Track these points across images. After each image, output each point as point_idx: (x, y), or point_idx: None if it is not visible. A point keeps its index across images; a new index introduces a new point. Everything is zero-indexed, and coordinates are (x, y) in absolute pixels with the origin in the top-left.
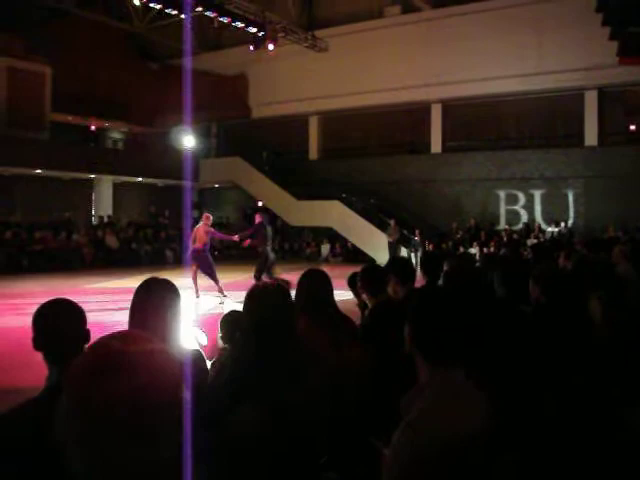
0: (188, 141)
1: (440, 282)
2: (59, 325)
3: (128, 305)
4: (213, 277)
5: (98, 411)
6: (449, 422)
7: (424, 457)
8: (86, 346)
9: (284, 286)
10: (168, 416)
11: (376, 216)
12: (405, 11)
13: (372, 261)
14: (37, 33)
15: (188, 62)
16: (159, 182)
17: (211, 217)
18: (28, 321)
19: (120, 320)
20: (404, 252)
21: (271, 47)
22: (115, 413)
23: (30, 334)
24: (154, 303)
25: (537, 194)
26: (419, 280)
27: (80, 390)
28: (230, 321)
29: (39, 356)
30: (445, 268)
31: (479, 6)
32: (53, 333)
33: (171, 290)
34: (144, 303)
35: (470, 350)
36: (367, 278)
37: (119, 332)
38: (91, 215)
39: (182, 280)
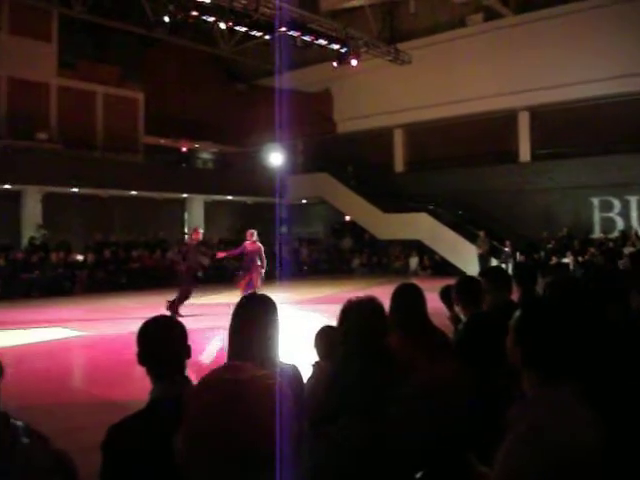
0: (275, 159)
1: (538, 293)
2: (162, 342)
3: (222, 320)
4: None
5: (218, 442)
6: (564, 438)
7: (539, 474)
8: (187, 361)
9: (377, 300)
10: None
11: (465, 227)
12: (487, 19)
13: (462, 274)
14: (130, 61)
15: (277, 82)
16: (248, 200)
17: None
18: (126, 336)
19: (217, 335)
20: (495, 264)
21: (354, 62)
22: (233, 442)
23: (127, 349)
24: (254, 319)
25: (633, 200)
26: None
27: (201, 422)
28: (325, 336)
29: (135, 370)
30: (547, 279)
31: (564, 9)
32: (156, 349)
33: (270, 305)
34: (245, 319)
35: (581, 365)
36: (462, 290)
37: (225, 364)
38: (184, 233)
39: (277, 295)
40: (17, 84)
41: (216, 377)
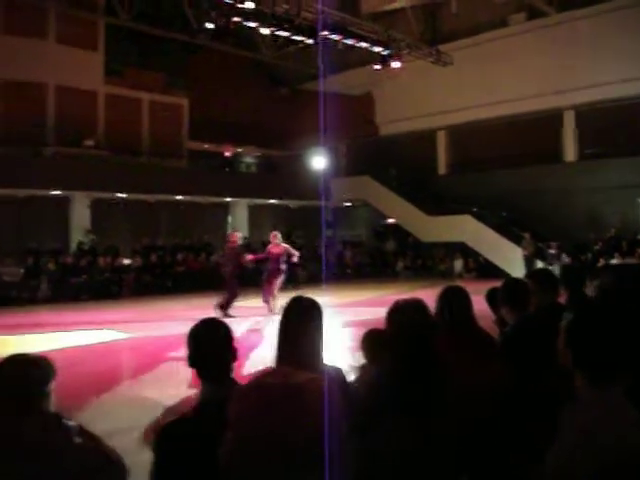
0: (319, 162)
1: (586, 295)
2: (210, 344)
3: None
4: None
5: (264, 444)
6: (615, 441)
7: (590, 477)
8: (234, 365)
9: (424, 302)
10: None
11: (509, 229)
12: (530, 17)
13: (507, 276)
14: (174, 68)
15: (320, 86)
16: (291, 203)
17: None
18: (172, 338)
19: (262, 339)
20: (540, 266)
21: (396, 65)
22: (279, 445)
23: (173, 351)
24: (301, 322)
25: None
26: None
27: (248, 425)
28: (371, 339)
29: (181, 372)
30: (595, 282)
31: (608, 6)
32: (205, 352)
33: (316, 308)
34: (292, 322)
35: (633, 368)
36: (509, 292)
37: (273, 368)
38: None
39: (321, 298)
40: (65, 92)
41: (264, 381)
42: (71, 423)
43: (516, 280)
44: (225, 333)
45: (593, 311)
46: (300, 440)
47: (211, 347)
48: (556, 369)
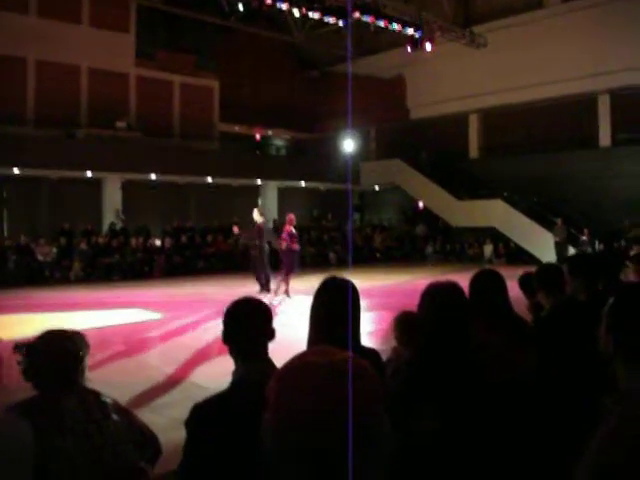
0: (348, 145)
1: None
2: (248, 322)
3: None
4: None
5: (307, 426)
6: None
7: (631, 469)
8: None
9: (458, 285)
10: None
11: (541, 215)
12: None
13: (538, 262)
14: (205, 50)
15: (349, 68)
16: (321, 186)
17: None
18: (203, 318)
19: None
20: (572, 252)
21: (429, 47)
22: (323, 426)
23: (205, 330)
24: (338, 303)
25: None
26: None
27: (294, 407)
28: (404, 321)
29: (213, 350)
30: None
31: None
32: (242, 329)
33: (352, 289)
34: (327, 303)
35: None
36: (545, 277)
37: (315, 348)
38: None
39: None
40: (97, 75)
41: (307, 360)
42: (108, 399)
43: (552, 265)
44: (263, 311)
45: (634, 294)
46: (348, 420)
47: (247, 324)
48: (595, 356)
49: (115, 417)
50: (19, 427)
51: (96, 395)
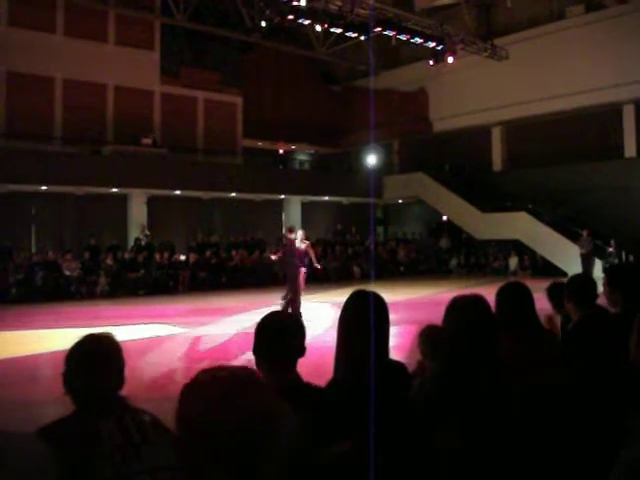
0: (372, 159)
1: None
2: (280, 335)
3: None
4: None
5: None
6: None
7: None
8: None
9: (484, 298)
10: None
11: (566, 227)
12: (589, 10)
13: (564, 274)
14: (228, 66)
15: (372, 82)
16: (344, 200)
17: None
18: (229, 333)
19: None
20: (598, 264)
21: (451, 60)
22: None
23: (231, 344)
24: (364, 316)
25: None
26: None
27: (203, 420)
28: (430, 335)
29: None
30: None
31: None
32: (271, 344)
33: (381, 302)
34: (355, 317)
35: None
36: (575, 288)
37: (220, 366)
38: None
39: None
40: (123, 92)
41: (208, 375)
42: (146, 417)
43: (582, 276)
44: (295, 327)
45: None
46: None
47: (279, 338)
48: (625, 369)
49: (154, 438)
50: (37, 458)
51: (133, 413)
